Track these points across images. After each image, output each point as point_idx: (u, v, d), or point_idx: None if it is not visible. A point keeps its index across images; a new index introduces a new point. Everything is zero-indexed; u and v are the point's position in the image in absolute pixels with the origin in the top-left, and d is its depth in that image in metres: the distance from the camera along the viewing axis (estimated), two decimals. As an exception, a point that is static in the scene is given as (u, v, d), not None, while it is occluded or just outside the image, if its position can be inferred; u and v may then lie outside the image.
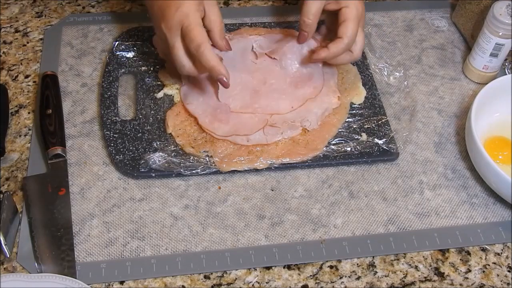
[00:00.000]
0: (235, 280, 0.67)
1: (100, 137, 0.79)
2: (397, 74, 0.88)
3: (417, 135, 0.82)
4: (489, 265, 0.70)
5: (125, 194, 0.74)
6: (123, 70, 0.85)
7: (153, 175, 0.74)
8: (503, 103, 0.81)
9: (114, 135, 0.77)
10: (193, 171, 0.74)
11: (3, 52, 0.89)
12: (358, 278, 0.68)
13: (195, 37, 0.70)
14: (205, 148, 0.76)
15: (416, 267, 0.69)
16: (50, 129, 0.76)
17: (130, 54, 0.87)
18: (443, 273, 0.69)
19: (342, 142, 0.78)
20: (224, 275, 0.68)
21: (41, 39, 0.91)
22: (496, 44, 0.83)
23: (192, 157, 0.75)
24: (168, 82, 0.83)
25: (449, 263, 0.70)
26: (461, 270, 0.69)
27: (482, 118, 0.78)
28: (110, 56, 0.86)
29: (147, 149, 0.76)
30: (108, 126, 0.78)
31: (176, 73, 0.83)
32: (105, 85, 0.83)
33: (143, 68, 0.85)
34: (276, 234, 0.71)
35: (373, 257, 0.70)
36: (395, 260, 0.70)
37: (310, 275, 0.68)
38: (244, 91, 0.81)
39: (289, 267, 0.69)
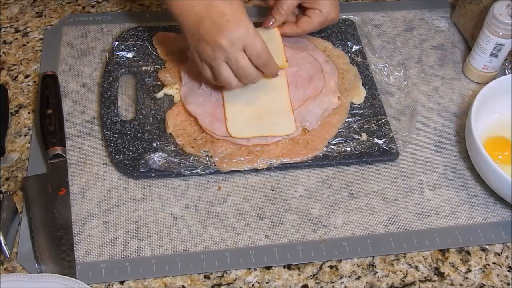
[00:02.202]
0: (235, 280, 0.67)
1: (100, 137, 0.79)
2: (397, 74, 0.88)
3: (417, 135, 0.82)
4: (489, 265, 0.70)
5: (125, 194, 0.74)
6: (123, 70, 0.85)
7: (153, 175, 0.74)
8: (503, 103, 0.81)
9: (114, 135, 0.77)
10: (193, 171, 0.74)
11: (3, 52, 0.89)
12: (358, 278, 0.68)
13: (263, 52, 0.73)
14: (205, 148, 0.76)
15: (416, 267, 0.69)
16: (50, 129, 0.76)
17: (130, 54, 0.87)
18: (443, 273, 0.69)
19: (342, 142, 0.78)
20: (224, 275, 0.68)
21: (41, 39, 0.91)
22: (496, 44, 0.83)
23: (192, 157, 0.75)
24: (168, 82, 0.83)
25: (449, 263, 0.70)
26: (461, 270, 0.69)
27: (482, 118, 0.78)
28: (110, 56, 0.86)
29: (147, 149, 0.76)
30: (108, 126, 0.78)
31: (176, 74, 0.83)
32: (105, 85, 0.83)
33: (143, 68, 0.85)
34: (276, 234, 0.71)
35: (373, 257, 0.70)
36: (395, 260, 0.70)
37: (310, 275, 0.68)
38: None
39: (289, 267, 0.69)
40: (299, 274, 0.68)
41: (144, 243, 0.69)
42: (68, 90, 0.84)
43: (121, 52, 0.87)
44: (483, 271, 0.69)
